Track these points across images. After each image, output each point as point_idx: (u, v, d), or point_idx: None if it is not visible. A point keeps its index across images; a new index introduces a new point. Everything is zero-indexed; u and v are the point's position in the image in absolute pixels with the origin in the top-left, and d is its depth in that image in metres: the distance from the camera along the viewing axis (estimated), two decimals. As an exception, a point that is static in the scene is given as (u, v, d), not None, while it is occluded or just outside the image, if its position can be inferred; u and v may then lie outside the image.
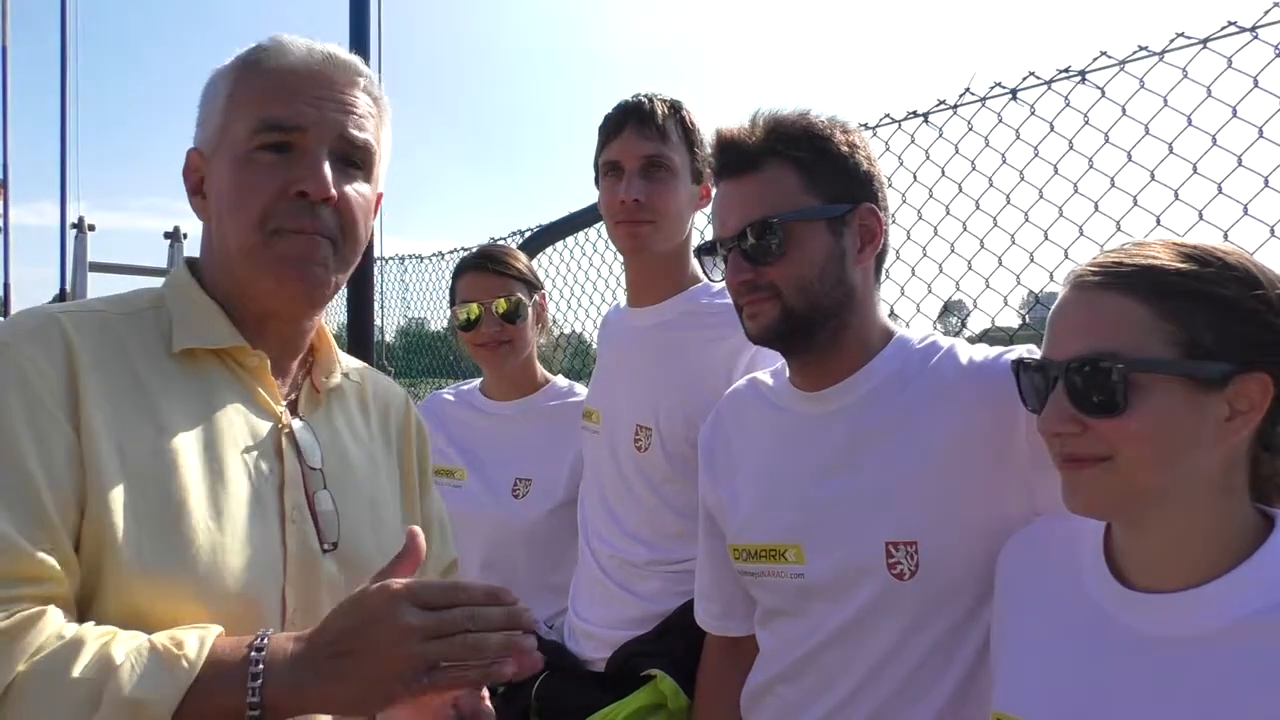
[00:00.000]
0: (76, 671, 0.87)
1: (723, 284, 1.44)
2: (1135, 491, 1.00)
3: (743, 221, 1.33)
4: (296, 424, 1.16)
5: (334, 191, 1.11)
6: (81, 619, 0.95)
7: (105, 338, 1.07)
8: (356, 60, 1.19)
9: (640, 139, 1.77)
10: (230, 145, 1.12)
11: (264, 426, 1.13)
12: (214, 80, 1.17)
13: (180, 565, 0.99)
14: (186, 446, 1.04)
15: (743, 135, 1.35)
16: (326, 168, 1.11)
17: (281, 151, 1.11)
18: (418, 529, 1.03)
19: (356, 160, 1.16)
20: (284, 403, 1.17)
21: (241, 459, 1.09)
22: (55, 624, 0.90)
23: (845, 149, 1.35)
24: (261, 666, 0.91)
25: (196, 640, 0.91)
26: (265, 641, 0.93)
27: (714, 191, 1.45)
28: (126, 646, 0.90)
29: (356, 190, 1.15)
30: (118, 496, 0.98)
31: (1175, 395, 0.97)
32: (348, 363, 1.31)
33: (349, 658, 0.91)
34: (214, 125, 1.15)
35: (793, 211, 1.32)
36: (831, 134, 1.35)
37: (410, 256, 5.03)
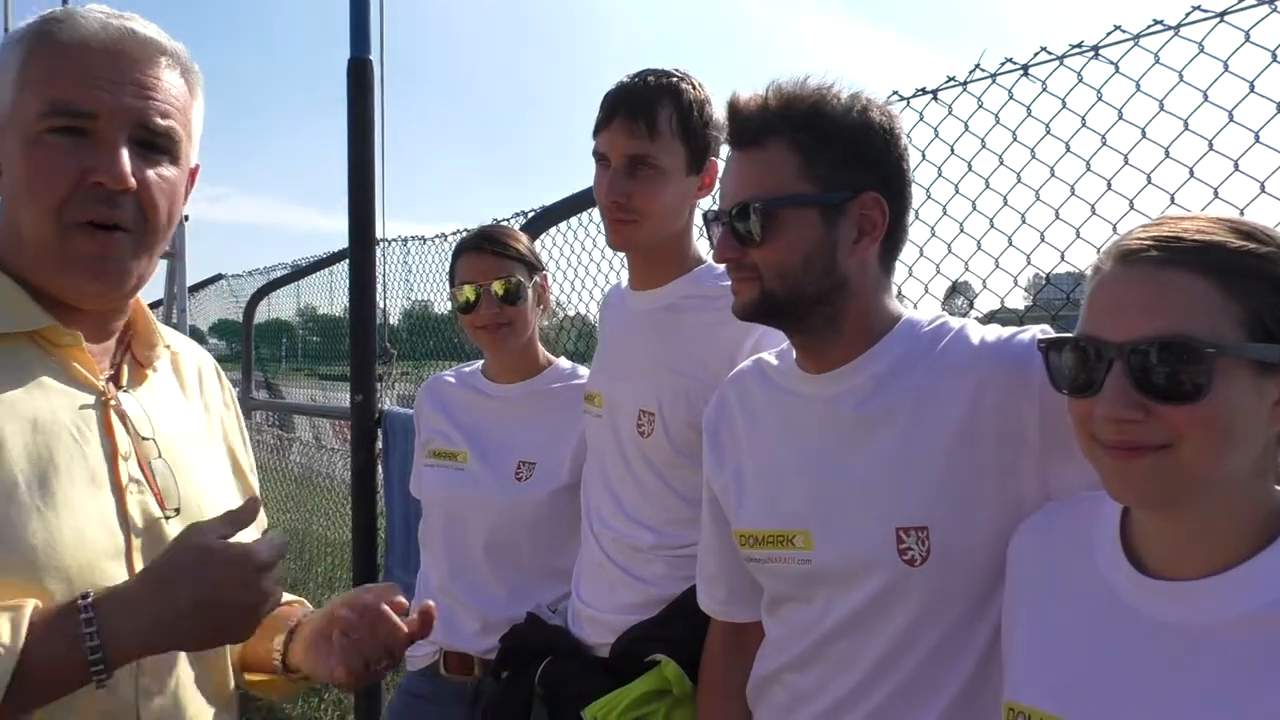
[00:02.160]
0: None
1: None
2: (1193, 480, 0.95)
3: (735, 198, 1.31)
4: (122, 397, 1.17)
5: (133, 181, 1.08)
6: None
7: None
8: (159, 34, 1.14)
9: (627, 136, 1.67)
10: (21, 123, 1.08)
11: (88, 402, 1.12)
12: (4, 48, 1.12)
13: (13, 550, 0.99)
14: (8, 431, 1.03)
15: (751, 107, 1.31)
16: (124, 155, 1.07)
17: (75, 135, 1.07)
18: (258, 496, 1.16)
19: (158, 144, 1.12)
20: (104, 378, 1.16)
21: (68, 438, 1.08)
22: None
23: (858, 132, 1.29)
24: (92, 613, 0.95)
25: (7, 622, 0.92)
26: (89, 596, 0.97)
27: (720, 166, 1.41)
28: None
29: (159, 175, 1.13)
30: None
31: (1244, 380, 0.93)
32: (165, 333, 1.31)
33: (196, 613, 0.99)
34: (6, 99, 1.10)
35: (781, 197, 1.28)
36: (845, 116, 1.29)
37: (413, 238, 5.00)
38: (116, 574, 1.06)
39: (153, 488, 1.15)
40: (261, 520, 1.22)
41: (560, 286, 3.65)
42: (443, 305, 5.17)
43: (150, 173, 1.11)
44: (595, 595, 1.85)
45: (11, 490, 1.00)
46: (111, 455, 1.12)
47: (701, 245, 1.85)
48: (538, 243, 2.85)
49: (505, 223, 3.30)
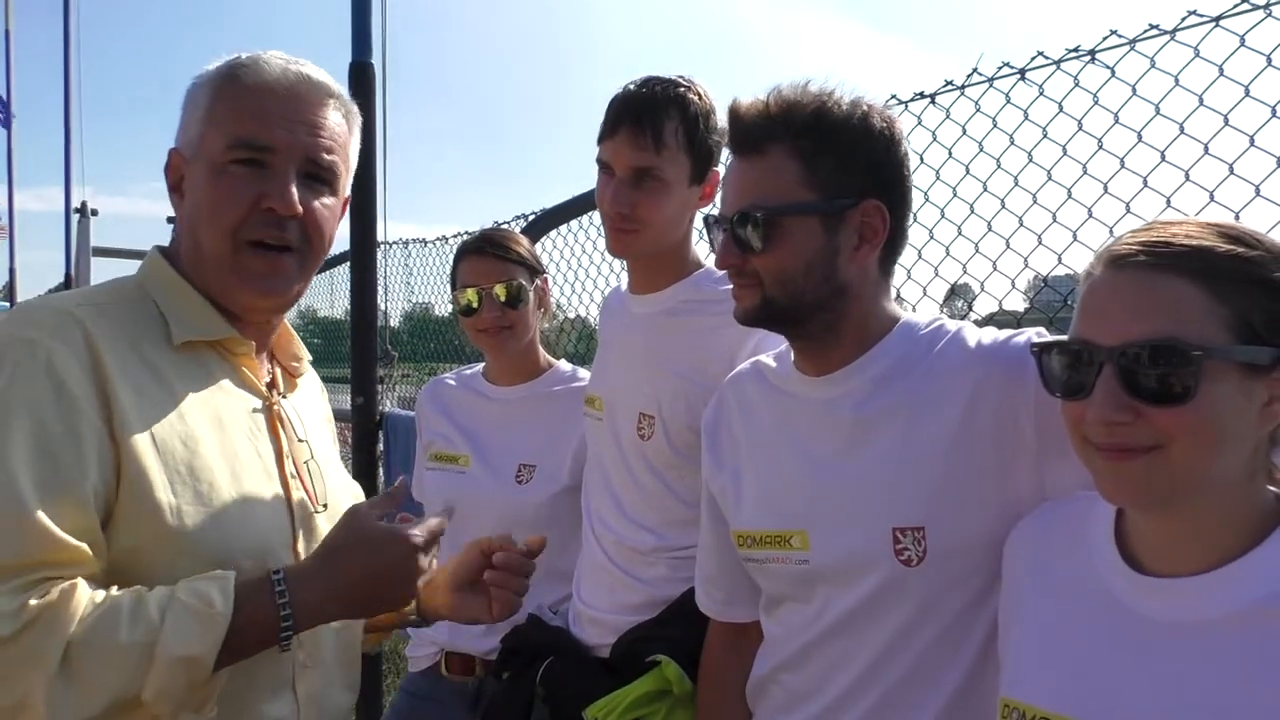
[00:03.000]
0: (124, 636, 1.01)
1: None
2: (1183, 481, 0.96)
3: (736, 205, 1.31)
4: (284, 403, 1.34)
5: (300, 208, 1.24)
6: (128, 585, 1.07)
7: (116, 329, 1.17)
8: (328, 80, 1.31)
9: (632, 147, 1.66)
10: (207, 155, 1.24)
11: (257, 405, 1.30)
12: (195, 88, 1.27)
13: (215, 528, 1.15)
14: (202, 426, 1.19)
15: (753, 113, 1.30)
16: (294, 186, 1.23)
17: (253, 166, 1.23)
18: (405, 478, 1.40)
19: (323, 177, 1.28)
20: (264, 383, 1.33)
21: (247, 435, 1.26)
22: (87, 593, 1.02)
23: (859, 139, 1.29)
24: (284, 585, 1.11)
25: (218, 589, 1.07)
26: (280, 571, 1.13)
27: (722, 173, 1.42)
28: (160, 605, 1.04)
29: (322, 204, 1.29)
30: (157, 474, 1.11)
31: (1232, 382, 0.94)
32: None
33: (358, 589, 1.16)
34: (194, 132, 1.26)
35: (783, 205, 1.28)
36: (846, 123, 1.29)
37: (414, 241, 5.01)
38: (286, 557, 1.24)
39: (304, 485, 1.31)
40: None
41: (560, 289, 3.66)
42: (443, 308, 5.18)
43: (314, 201, 1.27)
44: (596, 596, 1.86)
45: (213, 478, 1.17)
46: (279, 454, 1.29)
47: (701, 249, 1.86)
48: (538, 245, 2.85)
49: (506, 225, 3.31)
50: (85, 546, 1.04)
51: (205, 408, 1.21)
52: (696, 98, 1.69)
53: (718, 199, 1.55)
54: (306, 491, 1.31)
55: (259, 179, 1.22)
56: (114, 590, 1.05)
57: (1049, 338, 1.11)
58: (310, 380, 1.51)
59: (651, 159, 1.67)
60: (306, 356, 1.45)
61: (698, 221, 1.84)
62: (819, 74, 1.36)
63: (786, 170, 1.29)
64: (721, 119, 1.65)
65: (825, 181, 1.28)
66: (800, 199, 1.28)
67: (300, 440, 1.34)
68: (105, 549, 1.08)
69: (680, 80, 1.71)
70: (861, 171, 1.29)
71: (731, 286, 1.38)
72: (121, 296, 1.24)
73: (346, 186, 1.36)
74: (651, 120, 1.66)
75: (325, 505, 1.33)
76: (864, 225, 1.31)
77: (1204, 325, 0.94)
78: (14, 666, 0.98)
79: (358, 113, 1.36)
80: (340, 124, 1.30)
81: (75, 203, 7.19)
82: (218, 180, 1.23)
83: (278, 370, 1.39)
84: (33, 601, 0.98)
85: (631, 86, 1.71)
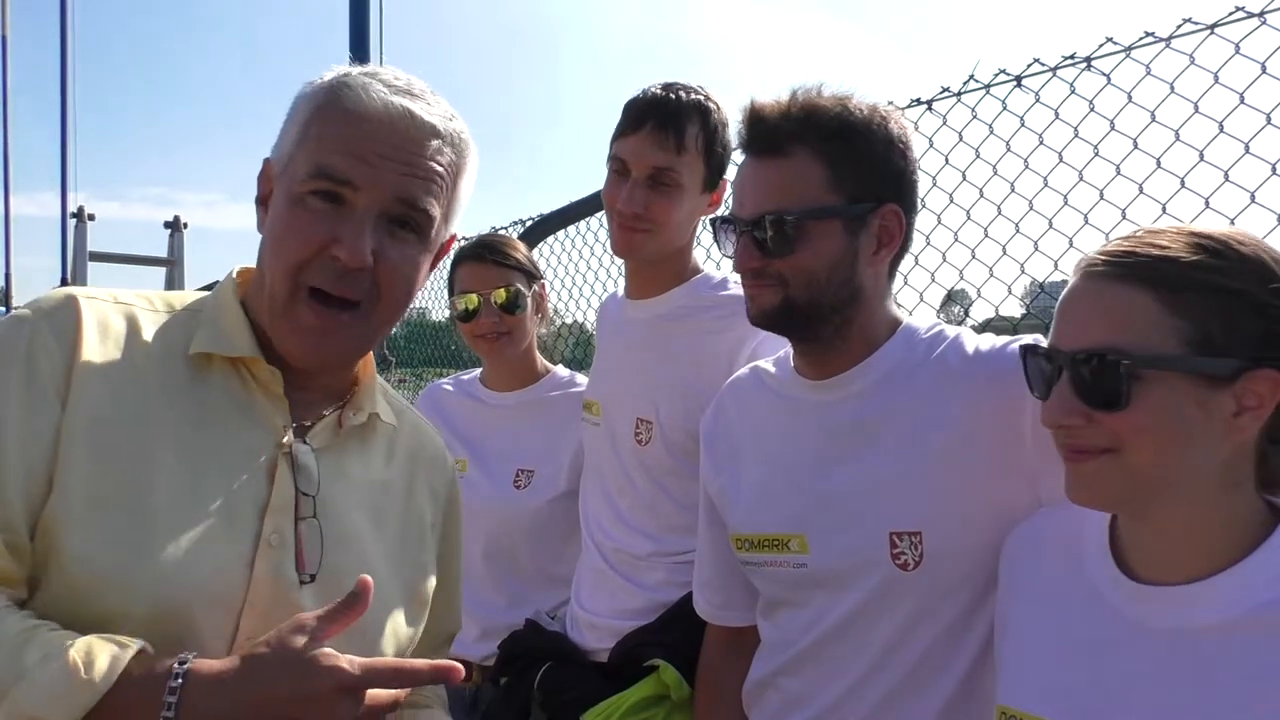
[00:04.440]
0: None
1: (723, 276, 1.42)
2: (1138, 485, 0.99)
3: (759, 208, 1.30)
4: (300, 447, 1.11)
5: (368, 260, 1.08)
6: (28, 602, 0.95)
7: (116, 326, 1.07)
8: (440, 116, 1.13)
9: (654, 147, 1.68)
10: (290, 178, 1.11)
11: (263, 444, 1.09)
12: (300, 99, 1.14)
13: (124, 567, 0.96)
14: (167, 449, 1.02)
15: (776, 114, 1.30)
16: (368, 234, 1.08)
17: (333, 201, 1.08)
18: (369, 578, 1.01)
19: (412, 222, 1.12)
20: (293, 424, 1.12)
21: (226, 473, 1.05)
22: None
23: (880, 144, 1.30)
24: (179, 682, 0.90)
25: (109, 658, 0.89)
26: (186, 666, 0.91)
27: (734, 171, 1.41)
28: (40, 651, 0.88)
29: (402, 254, 1.12)
30: (79, 480, 0.96)
31: (1181, 391, 0.96)
32: (395, 404, 1.29)
33: (261, 685, 0.92)
34: (286, 149, 1.13)
35: (811, 209, 1.28)
36: (868, 128, 1.30)
37: (411, 246, 5.01)
38: (216, 626, 1.01)
39: (298, 547, 1.08)
40: (401, 630, 1.17)
41: (558, 294, 3.67)
42: (440, 313, 5.18)
43: (392, 251, 1.11)
44: (594, 601, 1.86)
45: (146, 505, 0.99)
46: (263, 504, 1.07)
47: (698, 254, 1.87)
48: (535, 250, 2.86)
49: (503, 231, 3.32)
50: (5, 561, 0.93)
51: (191, 429, 1.05)
52: (715, 108, 1.72)
53: (726, 202, 1.54)
54: (297, 555, 1.07)
55: (335, 218, 1.08)
56: (17, 614, 0.91)
57: (1032, 342, 1.12)
58: (395, 446, 1.26)
59: (672, 159, 1.68)
60: (373, 410, 1.21)
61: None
62: (829, 78, 1.36)
63: (810, 174, 1.29)
64: (734, 133, 1.65)
65: (848, 185, 1.29)
66: (825, 203, 1.29)
67: (305, 495, 1.10)
68: (29, 553, 0.95)
69: (701, 89, 1.73)
70: (881, 176, 1.31)
71: (732, 294, 1.38)
72: (169, 304, 1.14)
73: (447, 229, 1.19)
74: (675, 122, 1.68)
75: (313, 577, 1.08)
76: (882, 230, 1.32)
77: (1151, 335, 0.96)
78: None
79: (473, 148, 1.19)
80: (447, 163, 1.14)
81: (71, 207, 7.18)
82: (293, 210, 1.09)
83: (328, 419, 1.17)
84: None
85: (655, 89, 1.73)
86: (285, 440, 1.10)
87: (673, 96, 1.70)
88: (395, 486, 1.24)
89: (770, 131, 1.30)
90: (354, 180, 1.08)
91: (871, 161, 1.30)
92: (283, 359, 1.13)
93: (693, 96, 1.71)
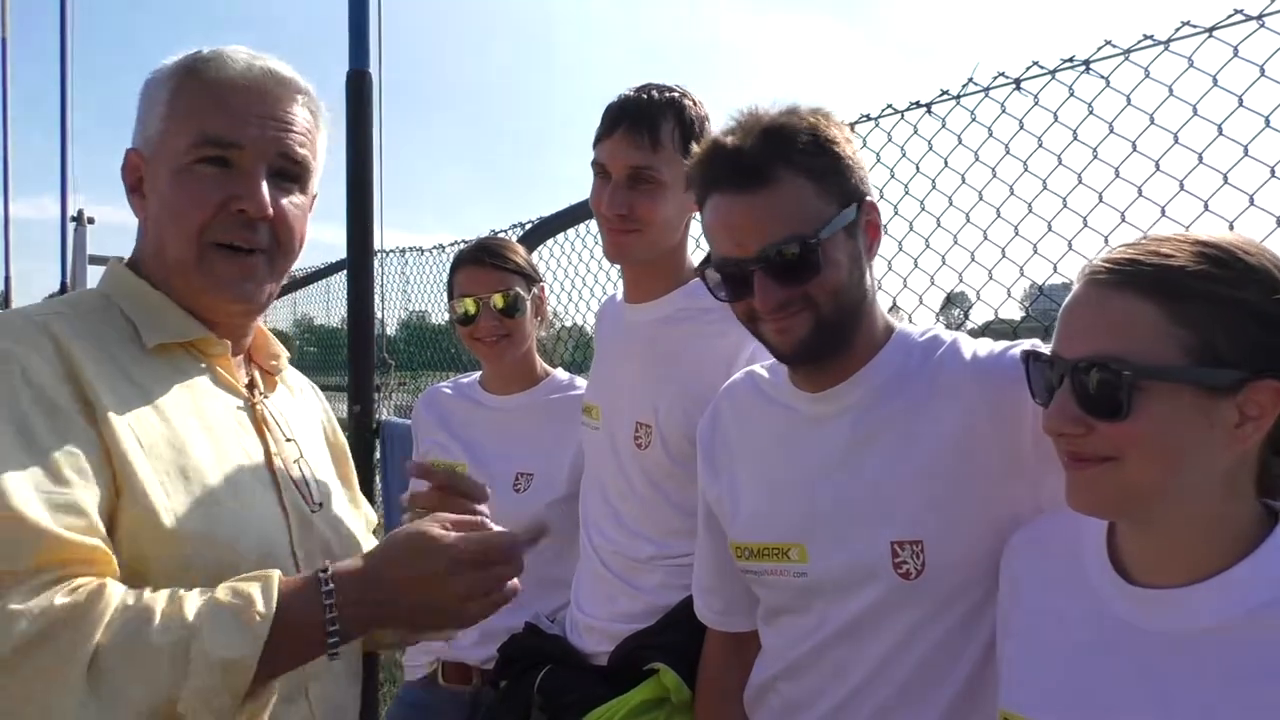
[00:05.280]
0: (157, 638, 0.92)
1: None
2: (1138, 493, 0.99)
3: (766, 240, 1.25)
4: (267, 402, 1.28)
5: (271, 210, 1.18)
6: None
7: (87, 337, 1.11)
8: (295, 75, 1.24)
9: (630, 147, 1.68)
10: (169, 154, 1.18)
11: (240, 405, 1.24)
12: (152, 83, 1.21)
13: (214, 531, 1.07)
14: (188, 429, 1.13)
15: (743, 145, 1.27)
16: (264, 186, 1.17)
17: (220, 165, 1.16)
18: (484, 486, 1.29)
19: (292, 174, 1.22)
20: (244, 384, 1.27)
21: (234, 435, 1.19)
22: (118, 592, 0.95)
23: (842, 146, 1.30)
24: (331, 586, 1.00)
25: (259, 589, 0.98)
26: (330, 573, 1.02)
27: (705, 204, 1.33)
28: (195, 607, 0.95)
29: (291, 203, 1.23)
30: (147, 476, 1.05)
31: (1182, 401, 0.95)
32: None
33: (402, 598, 1.03)
34: (153, 130, 1.20)
35: (823, 226, 1.26)
36: (829, 134, 1.29)
37: (410, 249, 5.02)
38: (286, 561, 1.15)
39: (296, 485, 1.24)
40: (360, 530, 1.36)
41: (557, 297, 3.67)
42: (440, 316, 5.18)
43: (284, 201, 1.21)
44: (594, 605, 1.86)
45: (206, 480, 1.10)
46: (267, 453, 1.22)
47: (696, 258, 1.86)
48: (534, 254, 2.86)
49: (503, 234, 3.32)
50: (99, 543, 0.97)
51: (188, 410, 1.15)
52: (691, 104, 1.73)
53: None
54: (300, 492, 1.24)
55: (226, 179, 1.16)
56: (146, 592, 0.97)
57: (1035, 348, 1.12)
58: (296, 380, 1.45)
59: (649, 158, 1.68)
60: (284, 354, 1.39)
61: (696, 227, 1.85)
62: (828, 82, 1.34)
63: (803, 193, 1.27)
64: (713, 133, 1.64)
65: (835, 193, 1.29)
66: (825, 216, 1.27)
67: (288, 440, 1.27)
68: (114, 552, 1.00)
69: (675, 87, 1.74)
70: (853, 175, 1.31)
71: (774, 325, 1.31)
72: (87, 306, 1.18)
73: (315, 184, 1.29)
74: (648, 121, 1.68)
75: (320, 505, 1.25)
76: (869, 224, 1.34)
77: (1153, 345, 0.95)
78: (37, 673, 0.87)
79: (325, 109, 1.29)
80: (309, 120, 1.24)
81: (71, 211, 7.17)
82: (182, 181, 1.16)
83: (256, 372, 1.33)
84: (59, 600, 0.89)
85: (629, 92, 1.74)
86: (255, 399, 1.26)
87: (644, 96, 1.71)
88: (311, 416, 1.44)
89: (750, 161, 1.26)
90: (239, 141, 1.16)
91: (844, 164, 1.30)
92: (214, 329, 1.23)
93: (666, 94, 1.71)
